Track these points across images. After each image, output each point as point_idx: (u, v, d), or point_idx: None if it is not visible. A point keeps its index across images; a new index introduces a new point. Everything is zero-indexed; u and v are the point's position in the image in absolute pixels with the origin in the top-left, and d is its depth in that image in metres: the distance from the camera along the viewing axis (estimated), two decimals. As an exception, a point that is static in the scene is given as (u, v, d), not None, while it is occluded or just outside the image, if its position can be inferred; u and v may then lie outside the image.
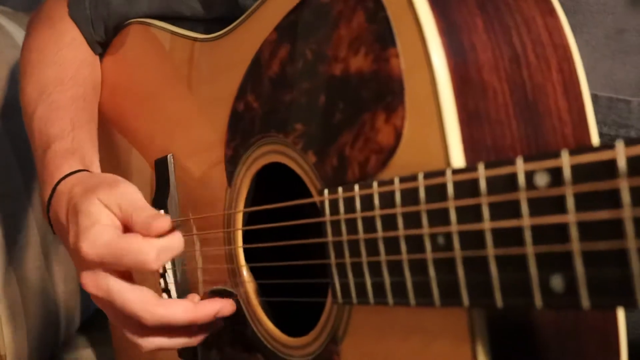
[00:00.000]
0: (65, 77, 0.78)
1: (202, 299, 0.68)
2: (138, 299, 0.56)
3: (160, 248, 0.55)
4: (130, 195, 0.59)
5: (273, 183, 0.60)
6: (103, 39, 0.83)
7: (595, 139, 0.46)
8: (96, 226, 0.57)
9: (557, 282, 0.34)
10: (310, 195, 0.53)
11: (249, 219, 0.62)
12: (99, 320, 1.11)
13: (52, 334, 1.01)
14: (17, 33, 1.04)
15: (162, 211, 0.72)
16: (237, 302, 0.63)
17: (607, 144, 0.32)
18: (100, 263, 0.56)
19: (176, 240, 0.57)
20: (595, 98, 0.53)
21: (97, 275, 0.57)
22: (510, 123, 0.44)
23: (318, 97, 0.51)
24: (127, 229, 0.58)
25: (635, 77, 0.55)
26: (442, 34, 0.42)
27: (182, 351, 0.72)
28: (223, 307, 0.60)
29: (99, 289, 0.57)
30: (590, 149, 0.32)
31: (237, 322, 0.64)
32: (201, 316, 0.59)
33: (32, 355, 0.95)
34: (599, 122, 0.46)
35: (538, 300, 0.35)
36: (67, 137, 0.71)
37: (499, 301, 0.37)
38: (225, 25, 0.64)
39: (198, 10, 0.76)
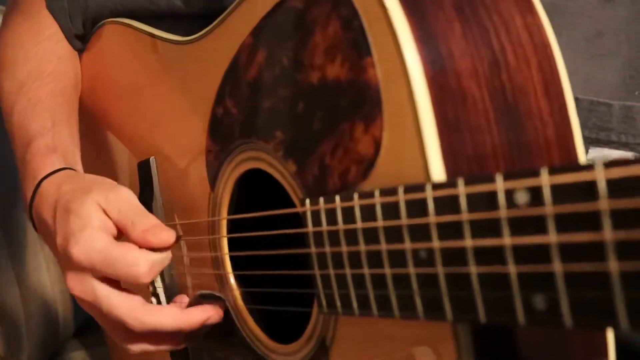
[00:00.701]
0: (44, 72, 0.76)
1: (190, 302, 0.67)
2: (125, 306, 0.56)
3: (153, 262, 0.55)
4: (131, 199, 0.59)
5: (256, 188, 0.59)
6: (81, 32, 0.81)
7: (578, 138, 0.46)
8: (88, 230, 0.56)
9: (539, 301, 0.34)
10: (292, 203, 0.52)
11: (233, 223, 0.62)
12: (90, 321, 1.10)
13: (52, 334, 1.01)
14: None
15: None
16: (226, 306, 0.63)
17: (587, 164, 0.31)
18: (91, 269, 0.55)
19: (168, 255, 0.57)
20: (576, 101, 0.52)
21: (84, 279, 0.57)
22: (491, 129, 0.43)
23: (296, 104, 0.50)
24: (121, 233, 0.58)
25: (614, 80, 0.54)
26: (418, 42, 0.41)
27: (174, 352, 0.72)
28: (211, 315, 0.60)
29: (86, 293, 0.57)
30: (570, 168, 0.32)
31: (226, 326, 0.63)
32: (189, 324, 0.58)
33: (31, 355, 0.95)
34: (580, 125, 0.45)
35: (521, 318, 0.35)
36: (47, 134, 0.70)
37: (482, 317, 0.37)
38: (207, 23, 0.62)
39: (177, 4, 0.74)
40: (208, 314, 0.60)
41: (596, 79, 0.54)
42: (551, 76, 0.46)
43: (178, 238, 0.59)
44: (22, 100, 0.73)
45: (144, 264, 0.55)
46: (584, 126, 0.53)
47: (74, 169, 0.68)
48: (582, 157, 0.45)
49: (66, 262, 0.58)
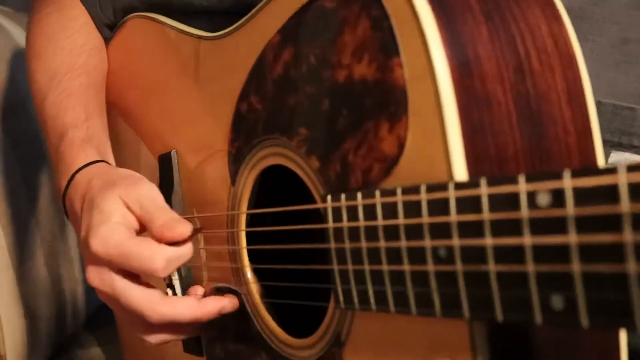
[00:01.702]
0: (76, 64, 0.78)
1: (206, 294, 0.68)
2: (142, 298, 0.57)
3: (170, 257, 0.56)
4: (153, 195, 0.60)
5: (276, 183, 0.60)
6: (111, 21, 0.82)
7: (599, 149, 0.46)
8: (107, 223, 0.57)
9: (557, 300, 0.34)
10: (313, 198, 0.53)
11: (252, 218, 0.63)
12: (100, 318, 1.11)
13: (52, 334, 1.01)
14: (17, 33, 1.04)
15: (167, 208, 0.72)
16: (241, 300, 0.64)
17: (610, 167, 0.32)
18: (108, 262, 0.57)
19: (187, 250, 0.57)
20: (599, 105, 0.53)
21: (103, 271, 0.58)
22: (514, 134, 0.44)
23: (322, 102, 0.51)
24: (142, 227, 0.59)
25: (638, 87, 0.55)
26: (446, 45, 0.42)
27: (188, 346, 0.73)
28: (226, 305, 0.61)
29: (104, 285, 0.58)
30: (592, 171, 0.32)
31: (241, 320, 0.64)
32: (205, 314, 0.59)
33: (32, 355, 0.96)
34: (602, 129, 0.46)
35: (538, 317, 0.36)
36: (82, 125, 0.72)
37: (499, 315, 0.38)
38: (234, 20, 0.63)
39: None
40: (222, 303, 0.61)
41: (620, 84, 0.55)
42: (574, 85, 0.47)
43: (196, 230, 0.59)
44: (54, 91, 0.75)
45: (159, 259, 0.56)
46: (606, 130, 0.54)
47: (107, 162, 0.69)
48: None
49: (87, 254, 0.60)
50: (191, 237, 0.57)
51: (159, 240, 0.57)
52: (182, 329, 0.61)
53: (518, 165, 0.43)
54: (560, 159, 0.45)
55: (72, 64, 0.76)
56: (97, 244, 0.57)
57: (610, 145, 0.54)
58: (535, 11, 0.47)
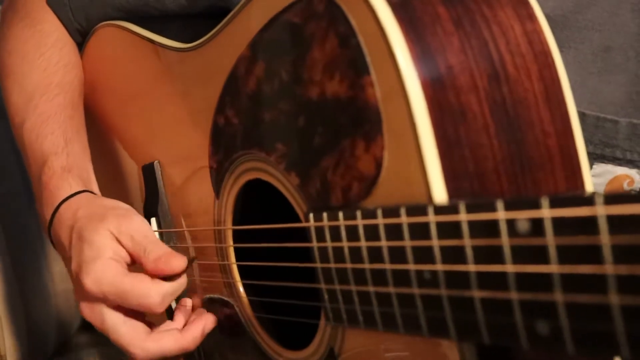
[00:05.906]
0: (51, 84, 0.75)
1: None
2: (129, 335, 0.58)
3: (166, 292, 0.57)
4: (144, 228, 0.60)
5: (260, 196, 0.59)
6: (83, 27, 0.80)
7: (580, 147, 0.45)
8: (100, 260, 0.58)
9: (542, 327, 0.34)
10: (296, 213, 0.52)
11: (239, 231, 0.62)
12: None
13: (52, 334, 1.02)
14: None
15: (153, 219, 0.72)
16: (235, 311, 0.64)
17: (588, 197, 0.31)
18: (103, 299, 0.57)
19: (182, 283, 0.58)
20: (582, 116, 0.52)
21: (94, 307, 0.59)
22: (492, 144, 0.43)
23: (297, 118, 0.50)
24: (134, 261, 0.59)
25: (620, 96, 0.54)
26: (416, 60, 0.41)
27: (187, 356, 0.73)
28: (207, 324, 0.62)
29: (95, 319, 0.59)
30: (570, 201, 0.32)
31: (236, 330, 0.64)
32: (190, 341, 0.60)
33: (32, 355, 0.96)
34: (585, 141, 0.45)
35: (524, 342, 0.35)
36: (61, 153, 0.70)
37: (485, 339, 0.37)
38: (209, 23, 0.61)
39: (183, 3, 0.73)
40: (202, 324, 0.62)
41: (603, 94, 0.54)
42: (552, 85, 0.45)
43: (191, 260, 0.60)
44: (32, 116, 0.73)
45: (155, 295, 0.57)
46: (589, 142, 0.53)
47: (91, 191, 0.68)
48: (585, 166, 0.45)
49: (79, 289, 0.60)
50: (185, 270, 0.58)
51: (154, 274, 0.58)
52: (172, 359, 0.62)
53: (499, 177, 0.42)
54: (542, 163, 0.44)
55: (48, 84, 0.74)
56: (91, 282, 0.57)
57: (593, 158, 0.54)
58: (508, 11, 0.45)
